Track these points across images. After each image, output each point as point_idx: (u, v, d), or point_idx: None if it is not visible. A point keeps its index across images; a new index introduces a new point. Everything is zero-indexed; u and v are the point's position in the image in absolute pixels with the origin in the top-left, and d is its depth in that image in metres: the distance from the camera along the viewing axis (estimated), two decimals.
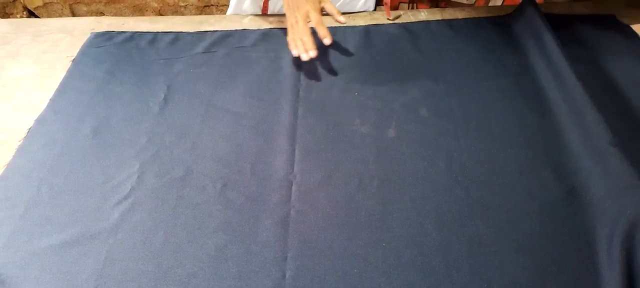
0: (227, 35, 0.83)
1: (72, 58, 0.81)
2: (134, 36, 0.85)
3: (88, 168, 0.62)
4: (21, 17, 1.96)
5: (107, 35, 0.85)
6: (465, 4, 0.91)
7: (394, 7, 1.00)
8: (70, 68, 0.78)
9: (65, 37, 0.87)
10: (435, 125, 0.65)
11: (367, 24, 0.85)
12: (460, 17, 0.86)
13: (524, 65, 0.74)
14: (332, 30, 0.82)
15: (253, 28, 0.86)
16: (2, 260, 0.52)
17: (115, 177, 0.60)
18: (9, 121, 0.69)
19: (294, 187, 0.57)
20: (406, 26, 0.83)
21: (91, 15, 1.95)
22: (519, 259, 0.50)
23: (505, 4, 0.93)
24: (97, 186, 0.59)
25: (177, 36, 0.84)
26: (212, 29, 0.86)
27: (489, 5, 0.92)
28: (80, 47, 0.83)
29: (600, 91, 0.65)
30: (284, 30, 0.83)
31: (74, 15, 1.96)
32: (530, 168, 0.58)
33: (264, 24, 0.87)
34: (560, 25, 0.78)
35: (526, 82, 0.71)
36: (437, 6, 0.89)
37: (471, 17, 0.86)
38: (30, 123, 0.68)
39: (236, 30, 0.85)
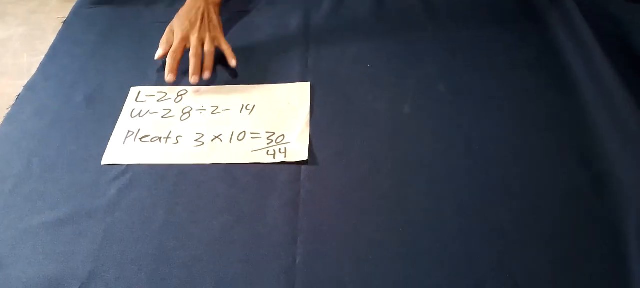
0: None
1: (64, 19, 0.75)
2: None
3: (82, 140, 0.58)
4: None
5: None
6: None
7: None
8: (61, 30, 0.73)
9: None
10: (453, 102, 0.61)
11: None
12: None
13: (547, 38, 0.69)
14: None
15: None
16: None
17: None
18: None
19: (303, 165, 0.54)
20: None
21: None
22: (543, 249, 0.47)
23: None
24: (91, 159, 0.55)
25: None
26: None
27: None
28: (71, 7, 0.77)
29: (631, 70, 0.61)
30: None
31: None
32: (554, 152, 0.55)
33: None
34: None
35: (549, 57, 0.66)
36: None
37: None
38: (18, 89, 0.64)
39: None
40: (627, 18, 0.72)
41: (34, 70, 0.67)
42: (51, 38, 0.72)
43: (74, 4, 0.78)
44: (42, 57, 0.69)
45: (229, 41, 0.70)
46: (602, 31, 0.64)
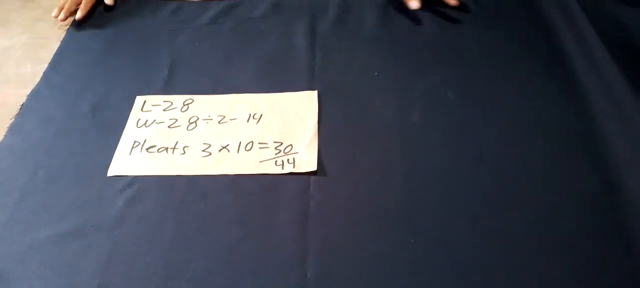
0: (234, 5, 0.77)
1: (68, 27, 0.74)
2: (133, 4, 0.78)
3: (88, 151, 0.57)
4: None
5: (103, 3, 0.79)
6: None
7: None
8: (65, 38, 0.73)
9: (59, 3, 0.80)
10: (461, 110, 0.60)
11: None
12: None
13: (555, 46, 0.68)
14: (347, 3, 0.77)
15: None
16: None
17: None
18: None
19: (312, 176, 0.53)
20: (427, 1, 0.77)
21: None
22: (556, 259, 0.46)
23: None
24: (98, 170, 0.55)
25: (180, 5, 0.78)
26: None
27: None
28: (75, 15, 0.76)
29: (636, 73, 0.61)
30: (298, 1, 0.78)
31: None
32: (565, 159, 0.54)
33: None
34: (587, 1, 0.73)
35: (557, 65, 0.66)
36: None
37: None
38: (21, 98, 0.63)
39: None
40: (634, 25, 0.71)
41: (37, 79, 0.66)
42: (55, 46, 0.71)
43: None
44: (46, 65, 0.68)
45: (235, 48, 0.69)
46: (609, 38, 0.64)
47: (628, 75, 0.59)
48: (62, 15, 0.74)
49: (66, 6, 0.75)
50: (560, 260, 0.46)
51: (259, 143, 0.57)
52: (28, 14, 0.78)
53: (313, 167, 0.53)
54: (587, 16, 0.68)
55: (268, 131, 0.58)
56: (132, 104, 0.62)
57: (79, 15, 0.75)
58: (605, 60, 0.62)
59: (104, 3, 0.77)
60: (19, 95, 0.64)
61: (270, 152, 0.56)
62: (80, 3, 0.76)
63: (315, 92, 0.62)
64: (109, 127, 0.60)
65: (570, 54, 0.67)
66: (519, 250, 0.47)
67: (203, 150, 0.56)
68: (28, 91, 0.64)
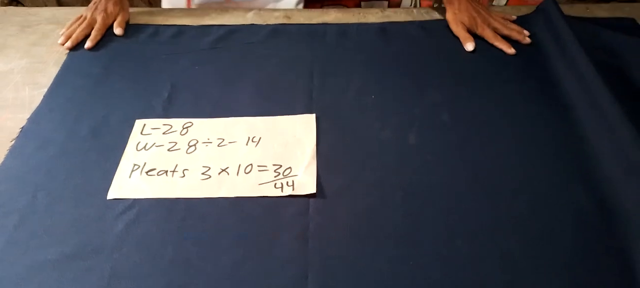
0: (233, 30, 0.79)
1: (67, 51, 0.75)
2: (132, 28, 0.80)
3: (87, 173, 0.57)
4: (2, 3, 1.85)
5: None
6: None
7: (397, 4, 0.96)
8: (65, 61, 0.73)
9: (57, 28, 0.81)
10: (458, 131, 0.61)
11: (381, 21, 0.81)
12: None
13: (548, 69, 0.71)
14: (344, 28, 0.79)
15: (260, 23, 0.81)
16: None
17: None
18: None
19: (311, 198, 0.54)
20: (423, 24, 0.79)
21: (77, 4, 1.86)
22: (554, 276, 0.47)
23: (508, 4, 0.90)
24: (97, 193, 0.55)
25: (180, 30, 0.79)
26: (216, 23, 0.81)
27: (492, 3, 0.89)
28: None
29: (629, 99, 0.62)
30: (295, 27, 0.79)
31: (60, 3, 1.86)
32: (559, 179, 0.56)
33: (270, 19, 0.82)
34: (578, 28, 0.75)
35: (550, 87, 0.68)
36: (440, 4, 0.86)
37: None
38: (20, 122, 0.63)
39: (243, 25, 0.80)
40: (616, 49, 0.74)
41: (35, 104, 0.66)
42: (53, 71, 0.72)
43: None
44: (44, 90, 0.68)
45: (234, 72, 0.71)
46: (596, 62, 0.65)
47: (618, 98, 0.61)
48: (69, 44, 0.76)
49: (74, 36, 0.76)
50: (558, 278, 0.47)
51: (258, 165, 0.57)
52: (26, 39, 0.79)
53: (312, 189, 0.54)
54: (577, 41, 0.70)
55: (267, 154, 0.59)
56: (132, 127, 0.62)
57: (88, 44, 0.76)
58: (596, 85, 0.63)
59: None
60: (17, 119, 0.64)
61: (270, 175, 0.56)
62: (89, 32, 0.77)
63: (314, 115, 0.63)
64: (109, 150, 0.60)
65: (562, 78, 0.69)
66: (516, 266, 0.48)
67: (203, 173, 0.57)
68: (26, 115, 0.64)
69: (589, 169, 0.57)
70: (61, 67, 0.72)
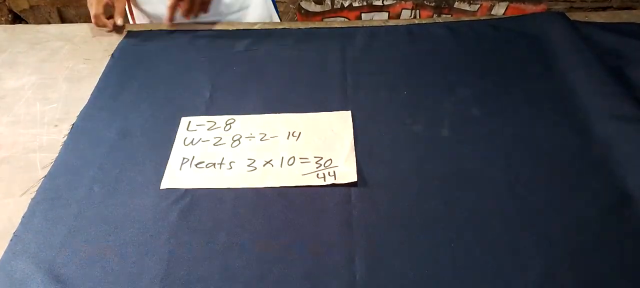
0: (267, 33, 0.83)
1: (70, 66, 0.77)
2: (172, 33, 0.84)
3: (139, 167, 0.60)
4: (6, 20, 1.88)
5: (142, 35, 0.84)
6: (468, 10, 0.91)
7: (397, 15, 1.00)
8: (108, 63, 0.77)
9: (65, 45, 0.82)
10: (487, 124, 0.64)
11: (408, 23, 0.84)
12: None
13: (568, 69, 0.73)
14: (374, 31, 0.82)
15: (291, 27, 0.85)
16: (61, 259, 0.51)
17: None
18: (9, 135, 0.65)
19: (353, 187, 0.57)
20: (448, 25, 0.82)
21: (80, 20, 1.87)
22: (591, 259, 0.49)
23: (506, 14, 0.92)
24: (150, 184, 0.58)
25: (217, 34, 0.83)
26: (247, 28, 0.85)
27: (491, 13, 0.92)
28: (81, 55, 0.80)
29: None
30: (326, 30, 0.83)
31: (62, 18, 1.88)
32: (588, 171, 0.58)
33: (298, 24, 0.86)
34: (586, 33, 0.77)
35: (573, 85, 0.70)
36: (440, 14, 0.89)
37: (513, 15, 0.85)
38: (31, 138, 0.65)
39: (276, 28, 0.84)
40: (623, 54, 0.75)
41: (46, 119, 0.67)
42: (63, 86, 0.73)
43: (84, 52, 0.81)
44: (55, 105, 0.70)
45: (270, 73, 0.74)
46: (607, 67, 0.68)
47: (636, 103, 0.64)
48: (119, 21, 0.84)
49: (117, 10, 0.83)
50: (593, 259, 0.49)
51: (300, 158, 0.60)
52: (35, 56, 0.80)
53: (353, 178, 0.57)
54: (586, 46, 0.73)
55: (308, 147, 0.62)
56: (177, 125, 0.66)
57: (119, 21, 0.84)
58: (612, 88, 0.66)
59: (116, 25, 0.85)
60: (28, 134, 0.65)
61: (312, 166, 0.59)
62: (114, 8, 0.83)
63: (349, 112, 0.66)
64: (157, 146, 0.63)
65: (579, 78, 0.71)
66: (553, 249, 0.50)
67: (248, 165, 0.60)
68: (38, 130, 0.65)
69: (610, 167, 0.58)
70: (105, 69, 0.76)
